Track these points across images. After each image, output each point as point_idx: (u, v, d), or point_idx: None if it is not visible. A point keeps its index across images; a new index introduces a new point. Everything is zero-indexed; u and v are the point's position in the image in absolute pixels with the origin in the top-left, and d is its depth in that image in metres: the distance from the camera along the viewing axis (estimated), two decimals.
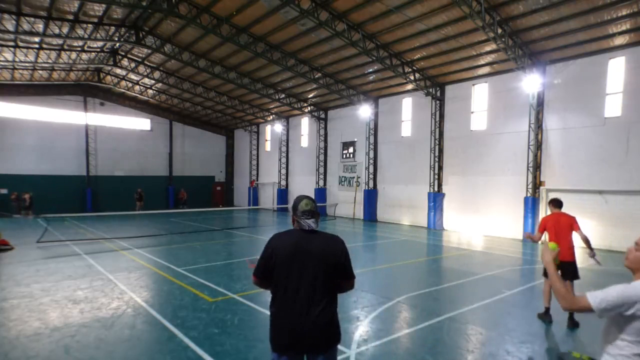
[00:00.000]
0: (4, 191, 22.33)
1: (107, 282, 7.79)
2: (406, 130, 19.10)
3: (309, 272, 2.47)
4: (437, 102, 17.20)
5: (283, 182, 26.49)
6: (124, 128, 27.06)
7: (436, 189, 17.33)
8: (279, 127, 26.37)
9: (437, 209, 17.24)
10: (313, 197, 22.43)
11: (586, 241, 5.62)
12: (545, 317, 5.84)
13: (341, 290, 2.68)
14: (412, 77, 16.14)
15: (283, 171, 26.53)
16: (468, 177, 16.43)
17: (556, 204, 6.15)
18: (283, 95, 21.80)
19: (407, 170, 18.88)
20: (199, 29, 14.45)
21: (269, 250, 2.56)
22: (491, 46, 13.29)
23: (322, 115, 23.42)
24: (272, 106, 24.65)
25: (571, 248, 5.81)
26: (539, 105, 13.93)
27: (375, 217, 20.30)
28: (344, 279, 2.62)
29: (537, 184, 14.09)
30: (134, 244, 12.41)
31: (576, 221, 5.89)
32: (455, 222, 16.93)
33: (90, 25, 15.14)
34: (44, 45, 17.00)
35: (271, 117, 26.68)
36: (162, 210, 25.12)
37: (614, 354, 1.94)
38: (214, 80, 20.98)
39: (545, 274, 5.94)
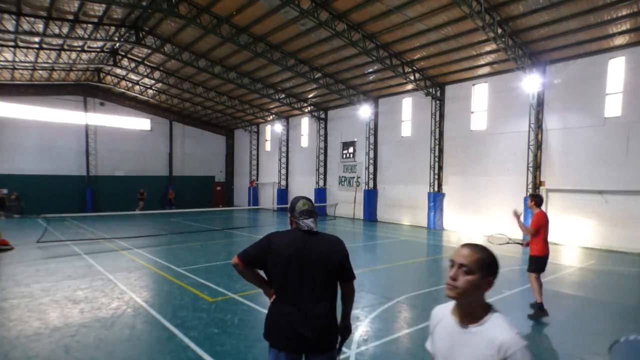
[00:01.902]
0: (5, 191, 22.33)
1: (107, 282, 7.79)
2: (406, 130, 19.10)
3: (310, 273, 2.44)
4: (437, 102, 17.20)
5: (283, 182, 26.48)
6: (124, 128, 27.03)
7: (436, 189, 17.32)
8: (279, 127, 26.35)
9: (437, 209, 17.23)
10: (313, 197, 22.60)
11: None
12: (542, 313, 5.87)
13: (345, 295, 2.65)
14: (412, 77, 16.13)
15: (283, 171, 26.52)
16: (468, 177, 16.42)
17: (541, 202, 6.24)
18: (283, 95, 21.80)
19: (407, 170, 18.87)
20: (199, 29, 14.44)
21: (267, 243, 2.52)
22: (491, 46, 13.28)
23: (322, 115, 23.42)
24: (272, 106, 24.64)
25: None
26: (539, 105, 13.93)
27: (375, 217, 20.29)
28: (345, 280, 2.60)
29: (537, 184, 14.08)
30: (134, 244, 12.41)
31: None
32: (455, 222, 16.92)
33: (90, 25, 15.13)
34: (44, 45, 16.99)
35: (271, 117, 26.67)
36: (162, 210, 25.13)
37: None
38: (214, 80, 20.97)
39: (530, 269, 6.01)
